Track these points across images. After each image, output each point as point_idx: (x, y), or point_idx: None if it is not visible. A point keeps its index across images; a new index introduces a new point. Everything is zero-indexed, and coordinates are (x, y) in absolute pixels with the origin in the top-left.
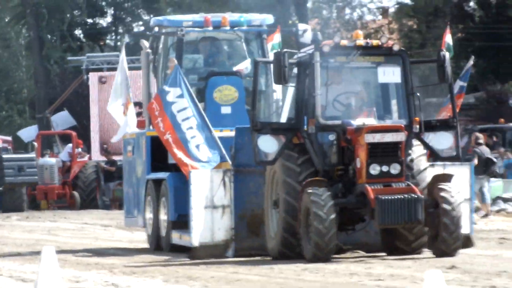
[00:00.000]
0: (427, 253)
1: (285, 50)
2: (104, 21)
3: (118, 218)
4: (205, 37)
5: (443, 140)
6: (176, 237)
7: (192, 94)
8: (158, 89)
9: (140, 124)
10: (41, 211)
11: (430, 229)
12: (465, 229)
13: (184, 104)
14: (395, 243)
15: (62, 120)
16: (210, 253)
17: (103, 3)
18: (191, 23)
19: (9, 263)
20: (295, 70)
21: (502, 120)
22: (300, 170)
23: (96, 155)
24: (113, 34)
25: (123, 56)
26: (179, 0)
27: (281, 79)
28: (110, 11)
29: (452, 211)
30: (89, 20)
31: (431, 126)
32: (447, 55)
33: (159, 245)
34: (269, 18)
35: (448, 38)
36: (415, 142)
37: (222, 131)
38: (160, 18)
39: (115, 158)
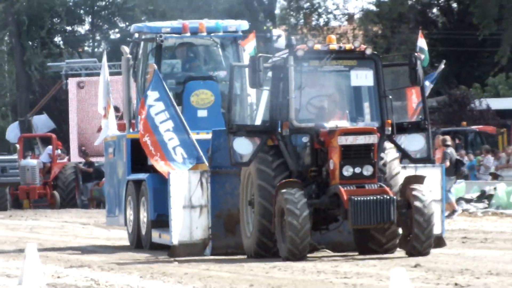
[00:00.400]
0: (399, 252)
1: (260, 54)
2: (82, 29)
3: (96, 217)
4: (182, 43)
5: (414, 142)
6: (156, 236)
7: (170, 97)
8: (143, 93)
9: (120, 127)
10: (23, 210)
11: (402, 229)
12: (436, 229)
13: (161, 107)
14: (368, 244)
15: (42, 123)
16: (189, 251)
17: (81, 12)
18: (169, 30)
19: None
20: (269, 74)
21: (464, 123)
22: (275, 174)
23: (75, 157)
24: (91, 41)
25: (104, 62)
26: (153, 9)
27: (256, 83)
28: (88, 19)
29: (424, 209)
30: (68, 28)
31: (403, 128)
32: (419, 58)
33: (140, 243)
34: (244, 24)
35: (421, 43)
36: (388, 145)
37: (198, 133)
38: (140, 24)
39: (93, 159)
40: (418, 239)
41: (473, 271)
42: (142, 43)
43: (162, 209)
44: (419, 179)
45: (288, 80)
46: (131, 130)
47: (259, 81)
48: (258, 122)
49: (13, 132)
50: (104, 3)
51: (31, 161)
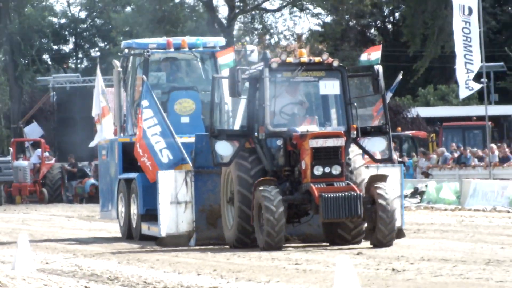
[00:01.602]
0: (364, 243)
1: (238, 67)
2: (67, 48)
3: (80, 211)
4: (167, 57)
5: (377, 144)
6: (145, 228)
7: (158, 105)
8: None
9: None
10: (16, 205)
11: (367, 223)
12: (397, 223)
13: (150, 113)
14: (336, 236)
15: (32, 131)
16: (175, 242)
17: (66, 33)
18: (155, 45)
19: None
20: (246, 84)
21: (399, 128)
22: (251, 166)
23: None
24: (74, 58)
25: (98, 73)
26: (129, 30)
27: (235, 92)
28: (72, 39)
29: (387, 206)
30: (55, 47)
31: (366, 132)
32: (380, 69)
33: (131, 234)
34: (221, 41)
35: (375, 54)
36: (353, 147)
37: (182, 137)
38: (129, 41)
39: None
40: (382, 233)
41: (408, 258)
42: (131, 58)
43: (151, 204)
44: (382, 178)
45: (264, 90)
46: (121, 135)
47: (237, 91)
48: (236, 127)
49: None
50: (85, 25)
51: (22, 162)
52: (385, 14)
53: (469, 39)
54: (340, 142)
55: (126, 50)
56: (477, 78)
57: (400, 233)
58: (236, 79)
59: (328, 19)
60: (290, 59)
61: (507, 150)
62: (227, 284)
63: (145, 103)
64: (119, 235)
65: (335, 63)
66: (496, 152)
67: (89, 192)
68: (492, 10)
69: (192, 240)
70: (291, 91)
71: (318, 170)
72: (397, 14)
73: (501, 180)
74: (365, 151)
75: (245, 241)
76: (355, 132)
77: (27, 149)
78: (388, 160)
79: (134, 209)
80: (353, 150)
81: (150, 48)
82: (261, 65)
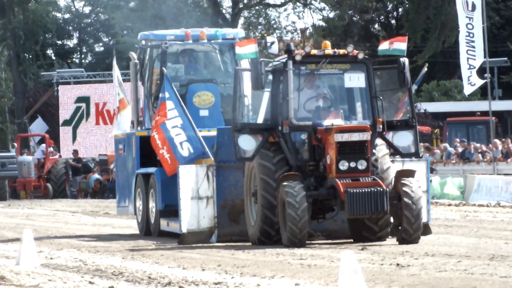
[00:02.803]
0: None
1: (261, 59)
2: (71, 43)
3: (84, 206)
4: (185, 49)
5: (403, 139)
6: (164, 224)
7: (178, 97)
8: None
9: None
10: (20, 200)
11: (394, 219)
12: (423, 219)
13: (170, 105)
14: (362, 232)
15: (37, 127)
16: (197, 239)
17: (70, 28)
18: (173, 37)
19: None
20: (270, 77)
21: None
22: (275, 168)
23: (65, 154)
24: (78, 53)
25: (114, 65)
26: (131, 25)
27: (258, 85)
28: (76, 34)
29: (413, 205)
30: (59, 42)
31: (392, 126)
32: (406, 61)
33: (149, 230)
34: (241, 32)
35: (398, 45)
36: (379, 141)
37: (201, 131)
38: (147, 33)
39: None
40: (407, 232)
41: (412, 253)
42: (148, 50)
43: (169, 200)
44: (410, 173)
45: (288, 82)
46: (139, 128)
47: (261, 83)
48: (260, 120)
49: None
50: (89, 20)
51: (27, 158)
52: (389, 9)
53: (471, 35)
54: (366, 136)
55: (143, 42)
56: (481, 73)
57: (426, 230)
58: (260, 72)
59: (332, 14)
60: (315, 51)
61: (511, 145)
62: (232, 279)
63: (165, 95)
64: (124, 230)
65: (360, 56)
66: (500, 147)
67: (94, 187)
68: (495, 5)
69: (214, 237)
70: (315, 84)
71: (344, 165)
72: (400, 10)
73: (505, 176)
74: (391, 145)
75: (269, 232)
76: (381, 126)
77: (32, 144)
78: (414, 154)
79: (152, 205)
80: (378, 144)
81: (168, 39)
82: (285, 57)
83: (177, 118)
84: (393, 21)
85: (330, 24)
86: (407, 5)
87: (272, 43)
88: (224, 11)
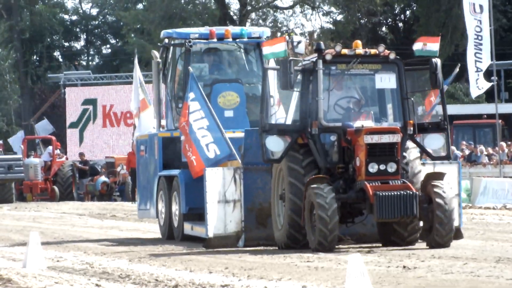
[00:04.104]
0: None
1: (291, 58)
2: (78, 45)
3: (91, 208)
4: (209, 48)
5: (434, 141)
6: (188, 228)
7: (205, 98)
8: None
9: None
10: (27, 202)
11: (424, 223)
12: (455, 222)
13: (196, 106)
14: (391, 237)
15: (42, 128)
16: (223, 243)
17: (77, 30)
18: (197, 35)
19: (1, 246)
20: (299, 76)
21: None
22: (304, 172)
23: (72, 156)
24: (85, 55)
25: (136, 65)
26: (139, 27)
27: (287, 84)
28: (83, 36)
29: (445, 205)
30: (66, 44)
31: (424, 128)
32: (439, 62)
33: (171, 234)
34: (266, 31)
35: (431, 46)
36: (410, 144)
37: (225, 132)
38: (170, 31)
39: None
40: (439, 234)
41: (418, 255)
42: (171, 48)
43: (194, 203)
44: (440, 176)
45: (317, 82)
46: (161, 129)
47: (290, 83)
48: (289, 121)
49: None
50: (97, 22)
51: (33, 160)
52: (396, 12)
53: (479, 38)
54: (396, 138)
55: (166, 40)
56: (488, 76)
57: (458, 234)
58: (289, 71)
59: (340, 17)
60: (345, 51)
61: None
62: (239, 281)
63: (191, 95)
64: (132, 233)
65: (392, 56)
66: (506, 150)
67: (100, 190)
68: (502, 7)
69: (241, 241)
70: (345, 84)
71: (373, 167)
72: (408, 13)
73: (511, 178)
74: (421, 148)
75: (296, 236)
76: (411, 128)
77: (38, 146)
78: (446, 157)
79: (175, 208)
80: (409, 146)
81: (192, 38)
82: (315, 56)
83: (203, 120)
84: (400, 24)
85: (338, 27)
86: (414, 8)
87: (299, 42)
88: (231, 13)
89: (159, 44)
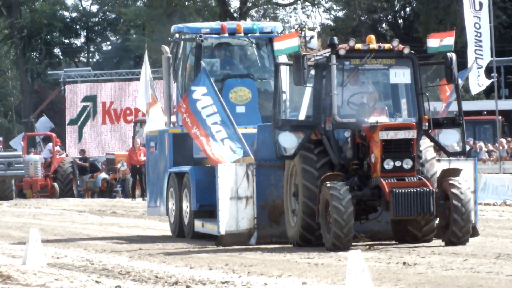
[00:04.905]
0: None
1: (304, 53)
2: (78, 41)
3: (91, 205)
4: (220, 43)
5: (449, 137)
6: (199, 225)
7: (217, 93)
8: (186, 89)
9: None
10: (27, 199)
11: (440, 220)
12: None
13: (209, 101)
14: (406, 234)
15: (42, 125)
16: (235, 240)
17: (77, 27)
18: (208, 30)
19: (1, 242)
20: (312, 72)
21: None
22: (317, 158)
23: (71, 153)
24: (85, 52)
25: (146, 60)
26: (139, 24)
27: (300, 80)
28: (83, 33)
29: (463, 203)
30: (66, 41)
31: (439, 124)
32: (454, 57)
33: (182, 232)
34: (279, 26)
35: (446, 41)
36: (423, 138)
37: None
38: (180, 25)
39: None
40: (456, 235)
41: (418, 252)
42: (182, 43)
43: (205, 200)
44: (456, 172)
45: (331, 78)
46: (172, 125)
47: (303, 79)
48: (302, 117)
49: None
50: (97, 19)
51: (33, 157)
52: (397, 9)
53: (479, 34)
54: (412, 134)
55: (177, 35)
56: (488, 73)
57: (474, 231)
58: (302, 66)
59: (340, 13)
60: (359, 46)
61: None
62: (239, 278)
63: (202, 90)
64: (132, 230)
65: (406, 50)
66: (506, 146)
67: (101, 186)
68: (502, 4)
69: (253, 239)
70: (359, 80)
71: (389, 164)
72: (408, 9)
73: (511, 174)
74: (437, 144)
75: (310, 238)
76: (426, 124)
77: (38, 143)
78: (461, 153)
79: (186, 205)
80: (424, 142)
81: (203, 33)
82: (328, 51)
83: (216, 115)
84: (400, 21)
85: (339, 23)
86: (414, 5)
87: (312, 37)
88: (232, 10)
89: (169, 39)
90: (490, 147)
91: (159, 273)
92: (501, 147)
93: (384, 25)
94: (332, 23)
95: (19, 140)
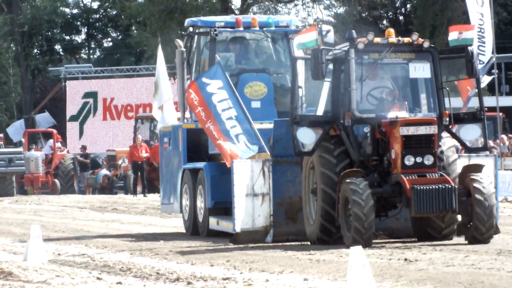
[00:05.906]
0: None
1: (322, 47)
2: (79, 38)
3: (92, 201)
4: (235, 36)
5: (470, 132)
6: (214, 223)
7: (232, 87)
8: (196, 79)
9: None
10: (28, 195)
11: (462, 217)
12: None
13: (224, 95)
14: (427, 230)
15: (43, 120)
16: (251, 238)
17: (78, 23)
18: (223, 24)
19: (2, 239)
20: (330, 66)
21: None
22: (336, 161)
23: (72, 149)
24: (86, 48)
25: (160, 55)
26: (141, 20)
27: (319, 74)
28: (84, 30)
29: (486, 200)
30: (67, 37)
31: (459, 119)
32: (475, 50)
33: (196, 230)
34: (294, 20)
35: (466, 34)
36: (444, 134)
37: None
38: (194, 19)
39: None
40: (479, 231)
41: (420, 248)
42: (196, 37)
43: (220, 197)
44: (478, 168)
45: (349, 72)
46: (186, 121)
47: (321, 73)
48: (320, 112)
49: (15, 130)
50: (98, 15)
51: (34, 153)
52: (397, 5)
53: (482, 31)
54: (433, 129)
55: (191, 29)
56: (488, 69)
57: (495, 229)
58: (320, 61)
59: (341, 10)
60: (378, 40)
61: None
62: (241, 274)
63: (218, 83)
64: (133, 227)
65: (426, 44)
66: (507, 143)
67: (102, 183)
68: (503, 1)
69: (269, 236)
70: (378, 74)
71: (409, 160)
72: (408, 6)
73: None
74: (458, 139)
75: (330, 229)
76: (447, 119)
77: (39, 140)
78: (482, 149)
79: (200, 202)
80: (445, 138)
81: (217, 26)
82: (346, 45)
83: (231, 110)
84: (401, 17)
85: (339, 20)
86: (415, 1)
87: (328, 31)
88: (233, 7)
89: (183, 32)
90: (491, 143)
91: (160, 270)
92: (502, 144)
93: (384, 22)
94: (332, 20)
95: (17, 130)
